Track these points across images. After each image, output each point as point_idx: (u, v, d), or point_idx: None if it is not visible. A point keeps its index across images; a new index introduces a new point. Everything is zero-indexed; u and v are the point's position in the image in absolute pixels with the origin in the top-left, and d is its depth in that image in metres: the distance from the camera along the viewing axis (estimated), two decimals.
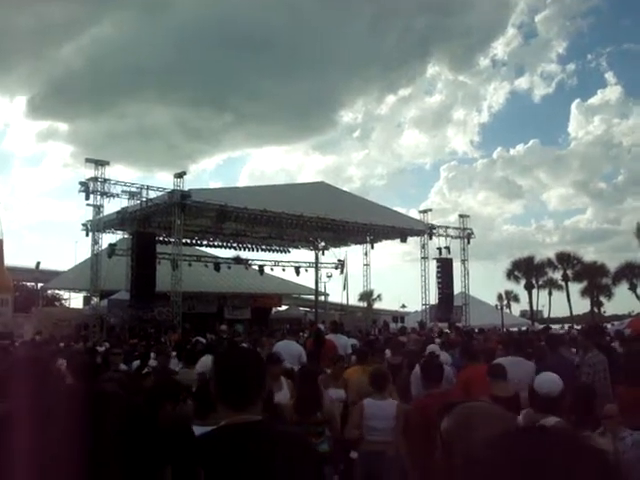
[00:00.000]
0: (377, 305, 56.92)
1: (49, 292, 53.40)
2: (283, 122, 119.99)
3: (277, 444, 2.44)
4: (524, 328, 29.10)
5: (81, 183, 27.27)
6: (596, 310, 68.95)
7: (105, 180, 27.61)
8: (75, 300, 47.36)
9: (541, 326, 28.42)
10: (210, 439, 2.51)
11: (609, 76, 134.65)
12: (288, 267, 40.21)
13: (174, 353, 10.96)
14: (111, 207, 28.94)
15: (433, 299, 38.11)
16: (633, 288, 66.58)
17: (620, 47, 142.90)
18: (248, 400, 2.51)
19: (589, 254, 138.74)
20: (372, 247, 39.09)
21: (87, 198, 27.49)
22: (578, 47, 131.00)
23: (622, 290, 68.20)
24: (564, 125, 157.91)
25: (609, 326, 23.71)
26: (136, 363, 9.03)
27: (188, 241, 33.05)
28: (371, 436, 6.38)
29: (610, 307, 69.60)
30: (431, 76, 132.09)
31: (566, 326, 35.06)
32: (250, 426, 2.44)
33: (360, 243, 39.63)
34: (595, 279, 69.22)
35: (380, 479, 6.32)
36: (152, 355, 10.23)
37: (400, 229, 35.34)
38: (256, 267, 39.86)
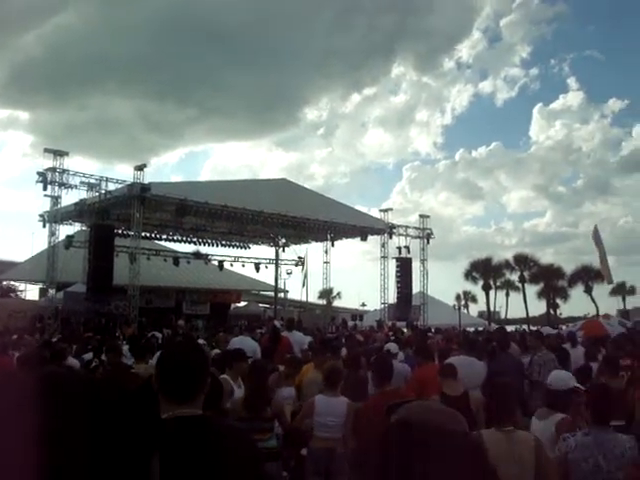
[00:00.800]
0: (336, 303, 57.02)
1: (4, 283, 52.51)
2: (247, 117, 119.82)
3: (216, 439, 2.43)
4: (480, 328, 29.39)
5: (39, 173, 26.82)
6: (552, 312, 69.97)
7: (64, 171, 27.19)
8: (31, 292, 46.76)
9: (497, 326, 28.74)
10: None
11: (571, 81, 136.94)
12: (248, 263, 40.11)
13: (126, 347, 10.87)
14: (69, 198, 28.52)
15: (392, 298, 38.33)
16: (589, 291, 67.59)
17: (583, 53, 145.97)
18: (189, 394, 2.48)
19: (547, 256, 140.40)
20: (332, 245, 39.09)
21: (45, 189, 27.06)
22: (542, 52, 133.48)
23: (578, 292, 69.36)
24: (526, 129, 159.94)
25: (564, 327, 24.12)
26: (87, 356, 8.92)
27: (147, 235, 32.70)
28: (321, 433, 6.40)
29: (566, 309, 70.89)
30: (396, 76, 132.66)
31: (521, 327, 35.53)
32: (189, 420, 2.42)
33: (321, 240, 39.62)
34: (551, 281, 70.15)
35: (330, 476, 6.34)
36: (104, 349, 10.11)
37: (361, 227, 35.44)
38: (216, 262, 39.66)
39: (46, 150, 27.55)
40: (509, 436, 4.13)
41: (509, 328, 27.14)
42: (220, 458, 2.36)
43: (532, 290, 71.86)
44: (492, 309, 71.36)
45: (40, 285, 36.05)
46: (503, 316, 70.65)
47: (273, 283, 43.56)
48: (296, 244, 41.42)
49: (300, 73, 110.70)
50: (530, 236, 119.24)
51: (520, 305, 71.85)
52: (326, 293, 45.83)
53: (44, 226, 29.19)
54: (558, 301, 71.45)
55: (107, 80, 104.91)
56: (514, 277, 72.32)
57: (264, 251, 42.83)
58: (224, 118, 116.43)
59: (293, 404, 7.69)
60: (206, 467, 2.32)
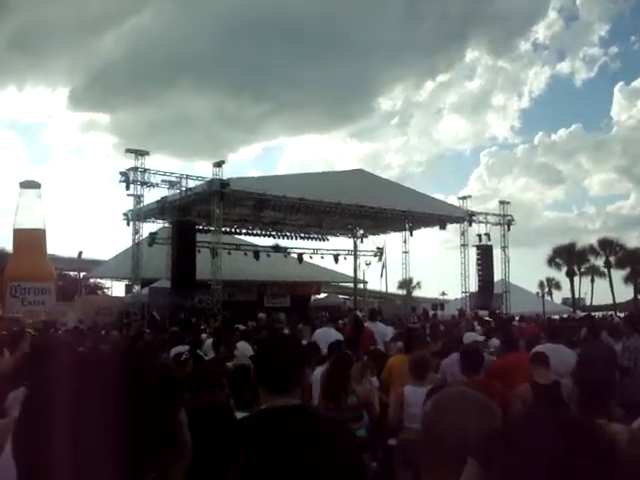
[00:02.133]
0: (416, 293, 56.79)
1: (91, 281, 54.34)
2: (321, 110, 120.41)
3: (316, 428, 2.47)
4: (566, 316, 28.76)
5: (121, 173, 27.51)
6: None
7: (145, 170, 27.83)
8: (117, 289, 48.22)
9: (583, 314, 28.05)
10: (250, 422, 2.55)
11: None
12: (327, 255, 40.14)
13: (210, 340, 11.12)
14: (151, 197, 29.26)
15: (473, 287, 37.81)
16: None
17: None
18: (287, 385, 2.55)
19: (632, 240, 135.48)
20: (411, 234, 38.76)
21: (127, 188, 27.76)
22: (621, 30, 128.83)
23: None
24: (607, 109, 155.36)
25: None
26: (178, 349, 9.14)
27: (227, 230, 33.19)
28: (410, 423, 6.36)
29: None
30: (470, 61, 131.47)
31: (608, 313, 34.52)
32: (289, 410, 2.48)
33: (399, 230, 39.37)
34: (638, 265, 67.99)
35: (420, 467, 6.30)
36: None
37: (439, 216, 35.09)
38: (295, 255, 39.89)
39: (127, 150, 28.27)
40: None
41: (595, 315, 26.49)
42: (320, 446, 2.40)
43: (618, 275, 69.88)
44: (577, 296, 69.60)
45: (125, 282, 37.01)
46: (588, 303, 68.76)
47: (352, 274, 43.53)
48: (374, 235, 41.27)
49: (372, 64, 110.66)
50: (614, 220, 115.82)
51: (606, 291, 69.85)
52: (406, 283, 45.61)
53: (128, 224, 30.11)
54: None
55: (184, 79, 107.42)
56: (599, 262, 70.42)
57: (342, 242, 42.88)
58: (298, 112, 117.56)
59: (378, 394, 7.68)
60: (306, 455, 2.36)
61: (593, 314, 23.03)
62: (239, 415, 2.78)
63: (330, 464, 2.39)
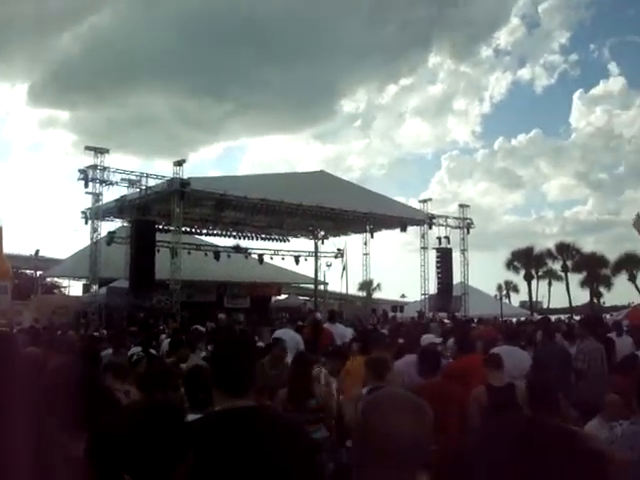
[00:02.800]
0: (377, 295, 56.80)
1: (48, 280, 53.43)
2: (284, 111, 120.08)
3: (271, 430, 2.46)
4: (523, 318, 29.09)
5: (80, 171, 27.24)
6: (595, 301, 68.96)
7: (104, 168, 27.58)
8: (74, 288, 47.46)
9: (540, 317, 28.42)
10: (204, 423, 2.53)
11: (612, 67, 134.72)
12: (288, 256, 40.13)
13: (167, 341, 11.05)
14: (110, 195, 29.06)
15: (433, 289, 38.13)
16: (632, 279, 66.66)
17: (623, 38, 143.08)
18: (243, 387, 2.53)
19: (589, 245, 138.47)
20: (372, 236, 38.92)
21: (86, 186, 27.49)
22: (581, 38, 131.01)
23: (622, 281, 68.37)
24: (566, 116, 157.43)
25: (608, 317, 23.73)
26: (133, 350, 9.05)
27: (187, 229, 33.01)
28: None
29: (609, 298, 69.57)
30: (433, 65, 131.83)
31: (564, 317, 35.03)
32: (244, 411, 2.46)
33: (360, 232, 39.52)
34: (595, 270, 69.18)
35: None
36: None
37: (400, 218, 35.31)
38: (256, 256, 39.79)
39: (87, 148, 28.01)
40: None
41: (552, 318, 26.84)
42: (276, 448, 2.39)
43: (575, 279, 71.04)
44: (534, 299, 70.61)
45: (83, 281, 36.48)
46: (545, 306, 69.83)
47: (313, 276, 43.58)
48: (335, 236, 41.36)
49: (336, 67, 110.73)
50: (572, 225, 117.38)
51: (563, 295, 71.10)
52: (366, 285, 45.74)
53: (86, 223, 29.73)
54: (602, 290, 70.44)
55: (144, 77, 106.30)
56: (556, 266, 71.58)
57: (303, 244, 42.86)
58: (261, 113, 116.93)
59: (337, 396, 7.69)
60: (262, 456, 2.35)
61: (549, 317, 23.29)
62: (194, 416, 2.76)
63: (286, 465, 2.38)
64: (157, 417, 2.04)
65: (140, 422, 1.98)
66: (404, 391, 2.04)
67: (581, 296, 72.27)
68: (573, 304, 68.40)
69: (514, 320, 27.44)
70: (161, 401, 2.47)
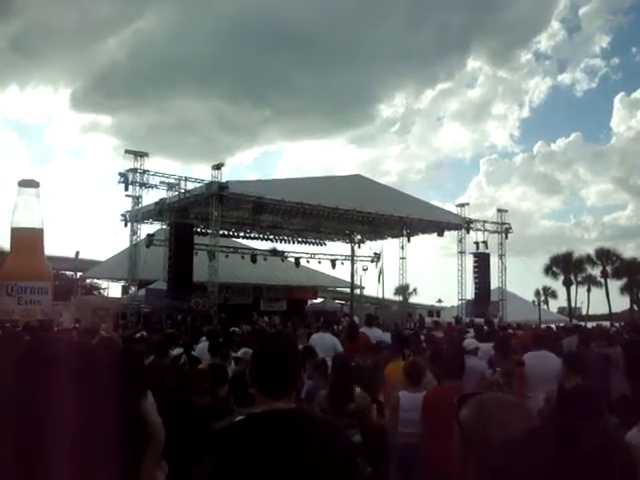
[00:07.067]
0: (413, 299, 56.71)
1: (88, 281, 54.24)
2: (320, 116, 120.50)
3: (311, 432, 2.46)
4: (562, 324, 28.70)
5: (120, 174, 27.56)
6: (636, 307, 67.90)
7: (144, 171, 27.91)
8: (113, 289, 48.08)
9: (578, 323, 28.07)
10: (243, 425, 2.55)
11: None
12: (324, 260, 40.20)
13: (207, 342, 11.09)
14: (150, 198, 29.31)
15: (469, 294, 37.80)
16: None
17: None
18: (283, 388, 2.53)
19: (629, 251, 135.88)
20: (408, 240, 38.75)
21: (126, 189, 27.84)
22: (622, 41, 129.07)
23: None
24: (607, 120, 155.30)
25: None
26: (176, 352, 9.16)
27: (225, 232, 33.22)
28: (405, 428, 6.37)
29: None
30: (472, 69, 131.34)
31: (605, 323, 34.52)
32: (284, 413, 2.47)
33: (396, 236, 39.39)
34: (635, 276, 68.08)
35: (414, 471, 6.32)
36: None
37: (437, 223, 35.06)
38: (292, 259, 39.90)
39: (127, 151, 28.34)
40: None
41: (590, 325, 26.49)
42: (317, 450, 2.39)
43: (615, 286, 69.95)
44: (573, 305, 69.67)
45: (122, 283, 36.94)
46: (584, 312, 68.83)
47: (349, 279, 43.48)
48: (372, 240, 41.29)
49: (373, 72, 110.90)
50: (611, 230, 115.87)
51: (602, 301, 69.97)
52: (402, 289, 45.66)
53: (125, 225, 30.10)
54: None
55: (185, 83, 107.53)
56: (596, 272, 70.52)
57: (340, 247, 42.81)
58: (298, 118, 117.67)
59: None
60: (300, 459, 2.35)
61: (580, 324, 23.02)
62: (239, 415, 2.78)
63: (324, 468, 2.38)
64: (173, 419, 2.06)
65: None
66: (505, 395, 2.01)
67: (621, 302, 71.28)
68: (613, 310, 67.44)
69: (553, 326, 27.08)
70: (179, 403, 2.47)
